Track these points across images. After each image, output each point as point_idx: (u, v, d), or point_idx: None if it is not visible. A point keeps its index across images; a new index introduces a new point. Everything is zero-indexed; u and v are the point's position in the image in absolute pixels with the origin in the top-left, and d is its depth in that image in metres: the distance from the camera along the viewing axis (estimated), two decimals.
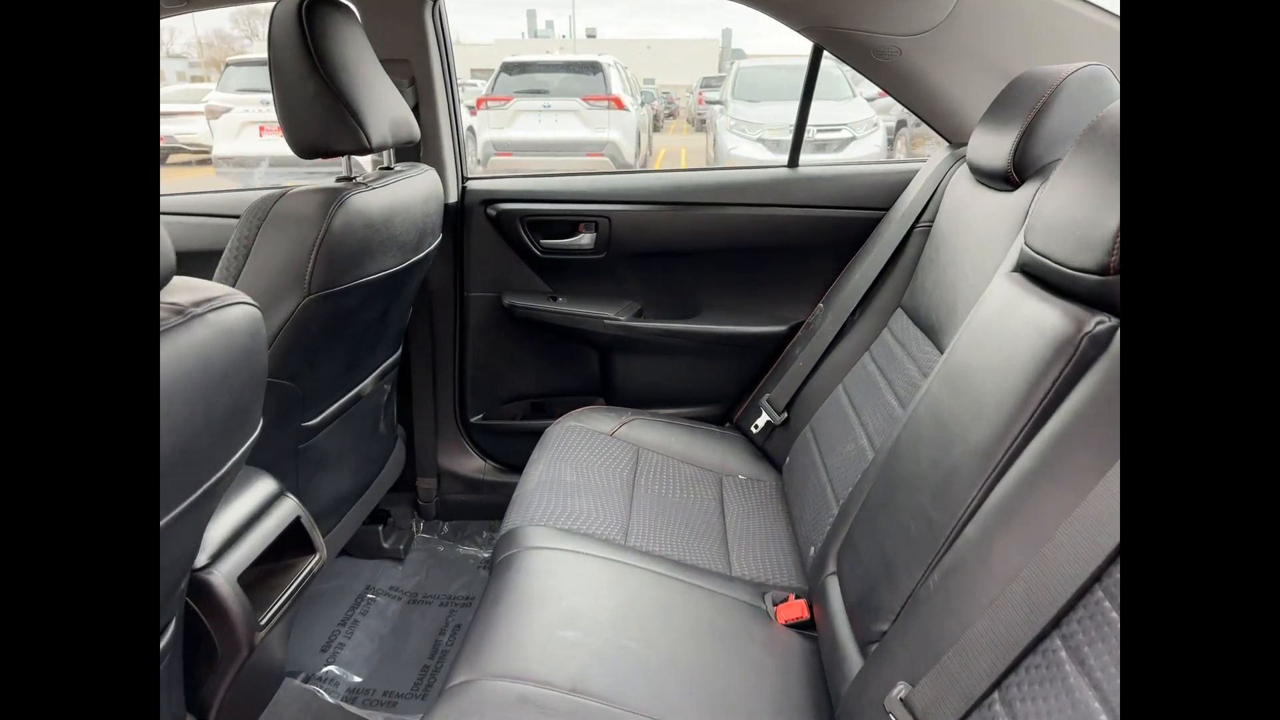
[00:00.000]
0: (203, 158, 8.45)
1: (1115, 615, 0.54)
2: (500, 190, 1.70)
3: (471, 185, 1.69)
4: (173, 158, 9.02)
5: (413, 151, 1.58)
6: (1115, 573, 0.56)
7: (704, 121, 11.68)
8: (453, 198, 1.64)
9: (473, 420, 1.82)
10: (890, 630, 0.85)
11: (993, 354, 0.84)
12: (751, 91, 8.42)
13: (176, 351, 0.54)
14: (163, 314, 0.56)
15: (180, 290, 0.59)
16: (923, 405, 0.98)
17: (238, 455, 0.66)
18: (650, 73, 21.50)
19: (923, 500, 0.87)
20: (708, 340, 1.70)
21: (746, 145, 7.76)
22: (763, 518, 1.36)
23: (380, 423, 1.57)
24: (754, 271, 1.71)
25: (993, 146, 1.11)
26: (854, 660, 0.91)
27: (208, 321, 0.58)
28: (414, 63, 1.52)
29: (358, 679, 1.41)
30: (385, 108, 1.17)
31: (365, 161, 1.45)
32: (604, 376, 1.81)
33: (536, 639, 0.95)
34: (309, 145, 1.10)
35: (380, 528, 1.74)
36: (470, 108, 8.22)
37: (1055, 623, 0.59)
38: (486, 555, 1.80)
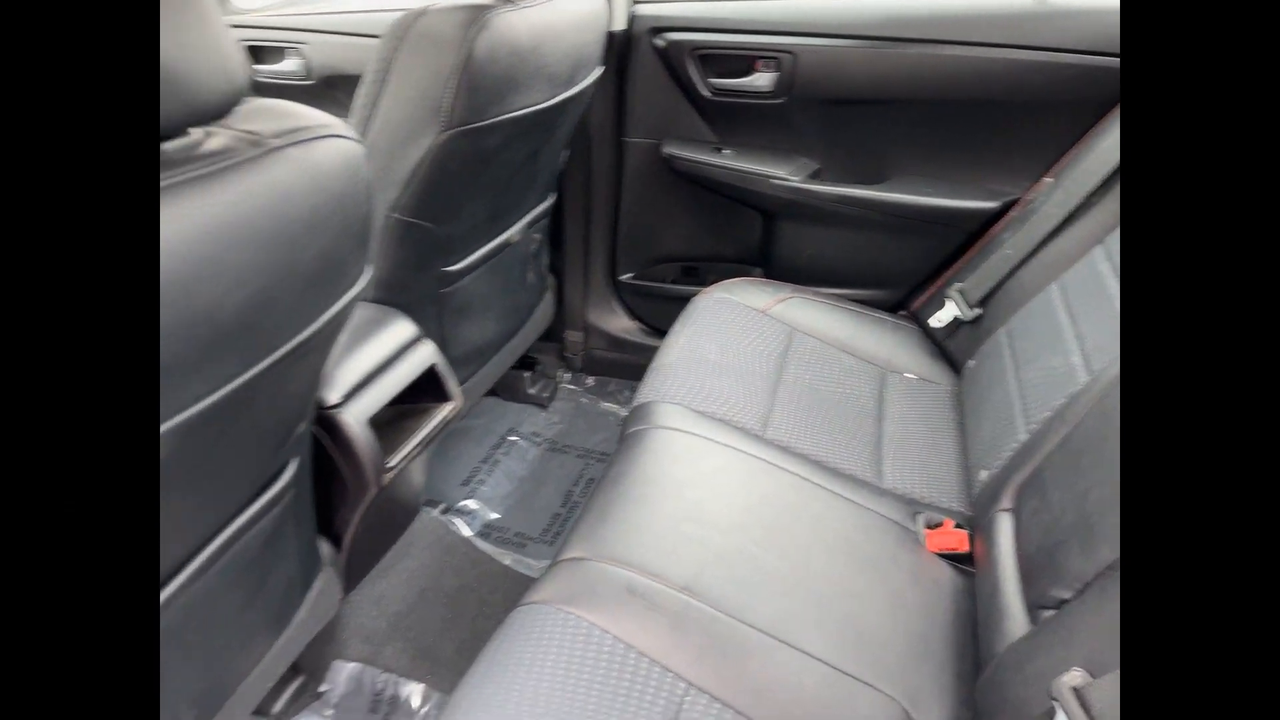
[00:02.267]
0: None
1: None
2: (671, 16, 1.48)
3: (640, 9, 1.49)
4: None
5: None
6: None
7: None
8: (619, 24, 1.46)
9: (621, 279, 1.74)
10: (1074, 603, 0.69)
11: None
12: None
13: (246, 192, 0.47)
14: (235, 144, 0.48)
15: (260, 116, 0.51)
16: None
17: (336, 309, 0.60)
18: None
19: None
20: (895, 212, 1.46)
21: None
22: (928, 426, 1.18)
23: (529, 272, 1.52)
24: (967, 132, 1.40)
25: None
26: (1018, 620, 0.77)
27: (288, 157, 0.50)
28: None
29: (494, 515, 1.46)
30: None
31: None
32: (765, 244, 1.63)
33: (655, 529, 0.89)
34: None
35: (527, 374, 1.75)
36: None
37: None
38: (625, 414, 1.77)
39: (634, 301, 1.76)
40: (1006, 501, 0.91)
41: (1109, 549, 0.67)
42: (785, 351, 1.27)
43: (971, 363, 1.26)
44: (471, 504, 1.47)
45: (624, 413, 1.78)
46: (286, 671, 1.08)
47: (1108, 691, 0.57)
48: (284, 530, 0.80)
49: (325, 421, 0.89)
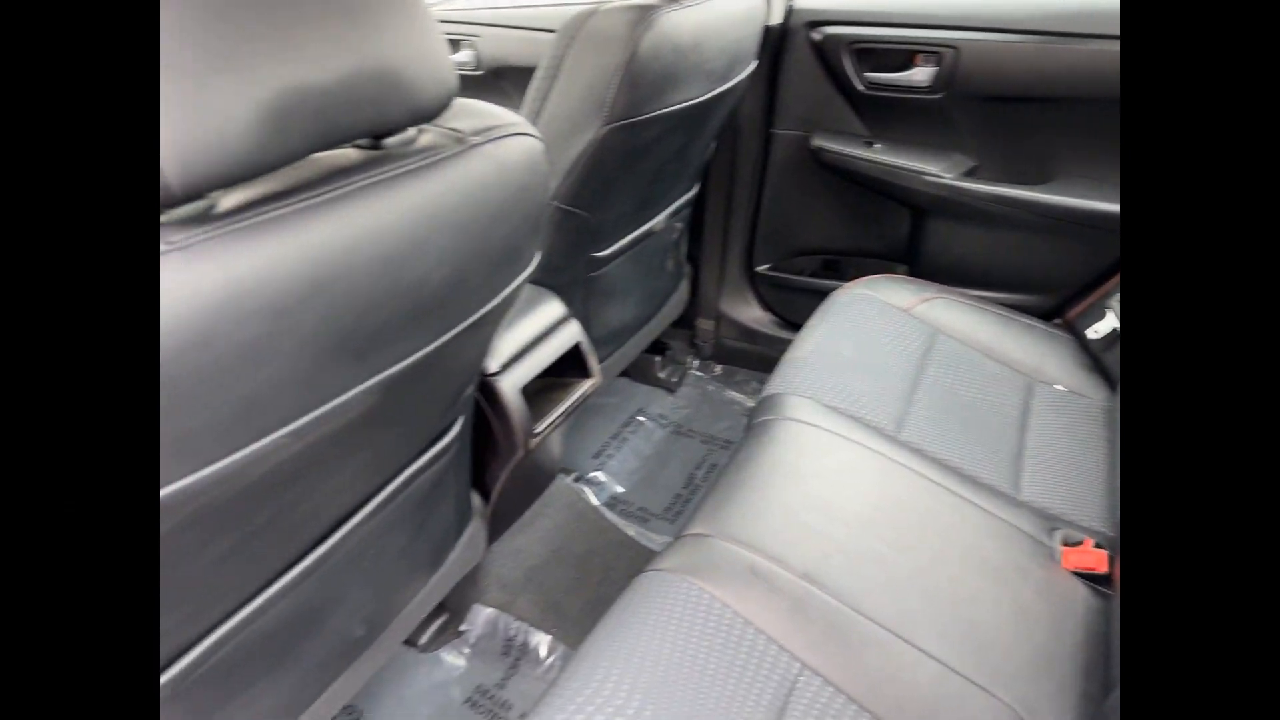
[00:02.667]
0: None
1: None
2: (830, 10, 1.47)
3: (799, 3, 1.49)
4: None
5: None
6: None
7: None
8: (776, 18, 1.47)
9: (759, 269, 1.76)
10: None
11: None
12: None
13: (450, 184, 0.54)
14: (442, 141, 0.56)
15: (462, 115, 0.59)
16: None
17: (511, 288, 0.68)
18: None
19: None
20: (1055, 215, 1.38)
21: None
22: (1074, 441, 1.13)
23: (668, 260, 1.58)
24: None
25: None
26: None
27: (485, 153, 0.57)
28: None
29: (620, 489, 1.54)
30: None
31: None
32: (912, 242, 1.60)
33: (779, 515, 0.92)
34: None
35: (658, 358, 1.82)
36: None
37: None
38: (752, 405, 1.80)
39: (769, 293, 1.78)
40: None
41: None
42: (926, 353, 1.25)
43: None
44: (601, 476, 1.56)
45: (749, 403, 1.81)
46: (434, 609, 1.21)
47: None
48: (446, 480, 0.90)
49: (485, 387, 0.99)
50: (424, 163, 0.53)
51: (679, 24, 1.03)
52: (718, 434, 1.71)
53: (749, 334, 1.82)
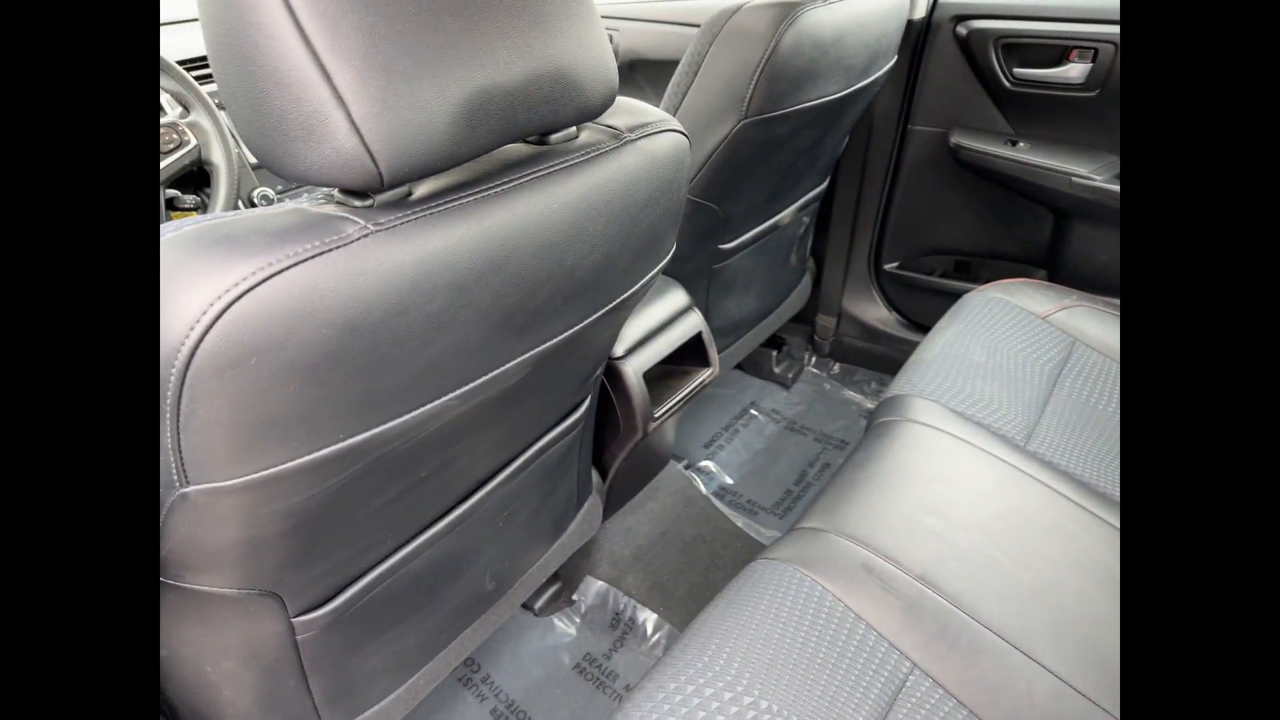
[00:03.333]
0: None
1: None
2: (979, 3, 1.42)
3: None
4: None
5: None
6: None
7: None
8: (920, 12, 1.43)
9: (886, 267, 1.72)
10: None
11: None
12: None
13: (608, 174, 0.58)
14: (600, 137, 0.60)
15: (620, 113, 0.63)
16: None
17: (650, 275, 0.71)
18: None
19: None
20: None
21: None
22: None
23: (792, 254, 1.58)
24: None
25: None
26: None
27: (638, 148, 0.61)
28: None
29: (729, 480, 1.56)
30: None
31: None
32: (1054, 246, 1.52)
33: (896, 516, 0.91)
34: None
35: (774, 353, 1.82)
36: None
37: None
38: (870, 406, 1.77)
39: (895, 292, 1.74)
40: None
41: None
42: (1063, 363, 1.19)
43: None
44: (711, 465, 1.59)
45: (868, 404, 1.78)
46: (550, 577, 1.28)
47: None
48: (571, 454, 0.96)
49: (610, 371, 1.04)
50: (584, 158, 0.58)
51: (822, 20, 1.03)
52: (832, 433, 1.69)
53: (871, 333, 1.79)
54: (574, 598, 1.27)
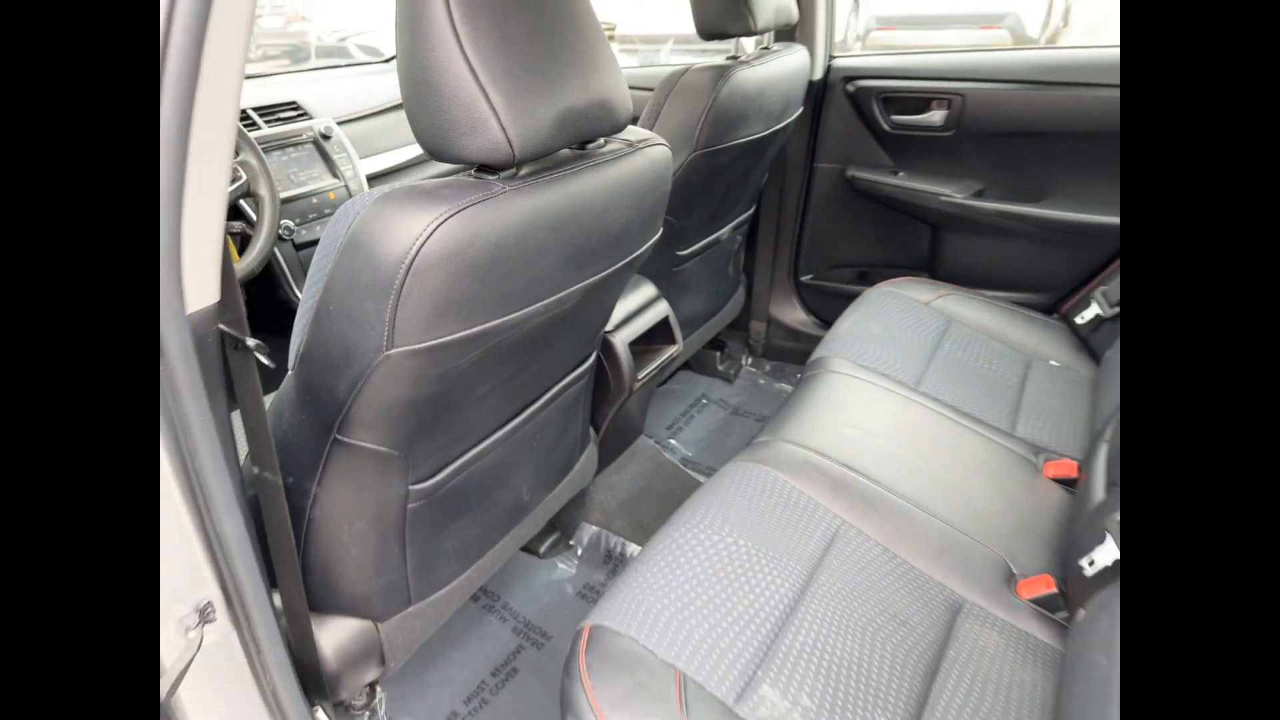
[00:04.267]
0: (608, 33, 9.52)
1: None
2: (861, 67, 1.85)
3: (836, 63, 1.87)
4: None
5: (789, 31, 1.81)
6: None
7: None
8: (818, 74, 1.85)
9: (803, 279, 2.10)
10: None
11: None
12: None
13: (629, 169, 0.90)
14: (616, 147, 0.92)
15: (629, 132, 0.95)
16: None
17: (650, 243, 1.02)
18: None
19: None
20: (1049, 226, 1.71)
21: None
22: (1065, 399, 1.42)
23: (729, 266, 1.93)
24: (1114, 159, 1.64)
25: None
26: (1098, 497, 1.03)
27: (644, 154, 0.93)
28: None
29: (690, 453, 1.86)
30: None
31: (748, 43, 1.72)
32: (932, 253, 1.93)
33: (825, 427, 1.24)
34: (710, 28, 1.40)
35: (718, 354, 2.15)
36: None
37: None
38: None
39: (811, 298, 2.11)
40: (1109, 434, 1.16)
41: None
42: (942, 335, 1.56)
43: (1109, 352, 1.48)
44: (674, 442, 1.88)
45: None
46: (550, 528, 1.54)
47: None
48: (579, 399, 1.24)
49: (604, 343, 1.34)
50: (613, 158, 0.89)
51: (748, 77, 1.40)
52: (770, 415, 2.02)
53: (794, 334, 2.15)
54: (571, 542, 1.53)
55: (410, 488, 0.92)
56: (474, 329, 0.77)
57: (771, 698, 0.82)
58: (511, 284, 0.77)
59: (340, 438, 0.83)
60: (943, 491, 1.15)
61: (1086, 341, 1.59)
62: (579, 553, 1.53)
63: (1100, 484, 1.08)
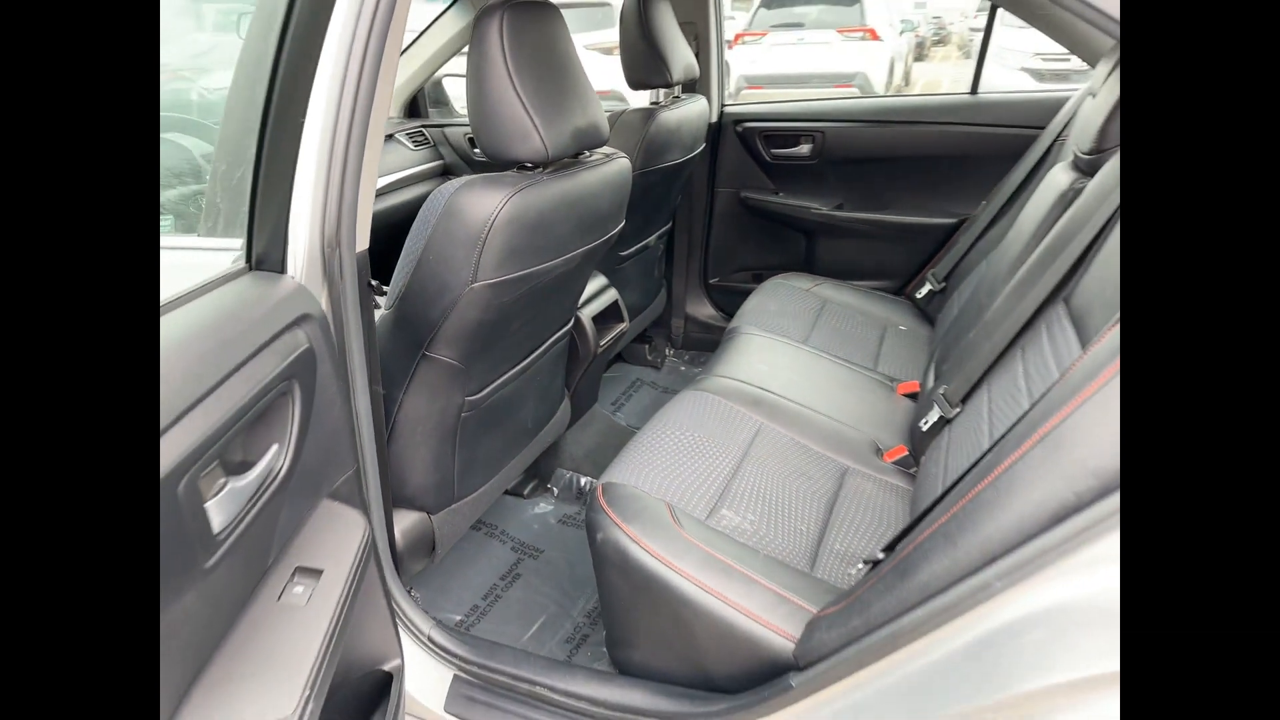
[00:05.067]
0: None
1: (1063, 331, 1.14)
2: (746, 113, 2.38)
3: (727, 109, 2.39)
4: None
5: (692, 84, 2.31)
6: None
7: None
8: (714, 118, 2.36)
9: (711, 281, 2.58)
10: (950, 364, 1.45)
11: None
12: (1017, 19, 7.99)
13: (608, 171, 1.32)
14: (598, 157, 1.34)
15: (602, 150, 1.37)
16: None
17: (618, 228, 1.44)
18: None
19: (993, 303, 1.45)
20: (893, 228, 2.27)
21: (1005, 74, 7.50)
22: (911, 349, 1.94)
23: (655, 269, 2.38)
24: (934, 176, 2.22)
25: None
26: (929, 387, 1.52)
27: (616, 163, 1.36)
28: (697, 24, 2.23)
29: (632, 422, 2.26)
30: (680, 56, 1.90)
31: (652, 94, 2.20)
32: (808, 254, 2.46)
33: (743, 365, 1.68)
34: (638, 80, 1.86)
35: (646, 347, 2.58)
36: (728, 42, 8.82)
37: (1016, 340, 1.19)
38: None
39: (718, 297, 2.59)
40: (939, 355, 1.67)
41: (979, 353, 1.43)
42: (820, 310, 2.06)
43: (940, 315, 2.03)
44: (619, 415, 2.28)
45: None
46: (529, 474, 1.89)
47: (952, 383, 1.33)
48: (561, 358, 1.63)
49: (575, 321, 1.73)
50: (597, 164, 1.31)
51: (668, 118, 1.87)
52: None
53: (706, 328, 2.61)
54: (549, 485, 1.89)
55: (466, 399, 1.27)
56: (525, 270, 1.16)
57: (729, 515, 1.23)
58: (548, 240, 1.18)
59: (428, 353, 1.19)
60: (829, 402, 1.61)
61: (924, 311, 2.14)
62: (555, 493, 1.89)
63: (930, 385, 1.57)
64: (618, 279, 2.10)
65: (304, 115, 0.81)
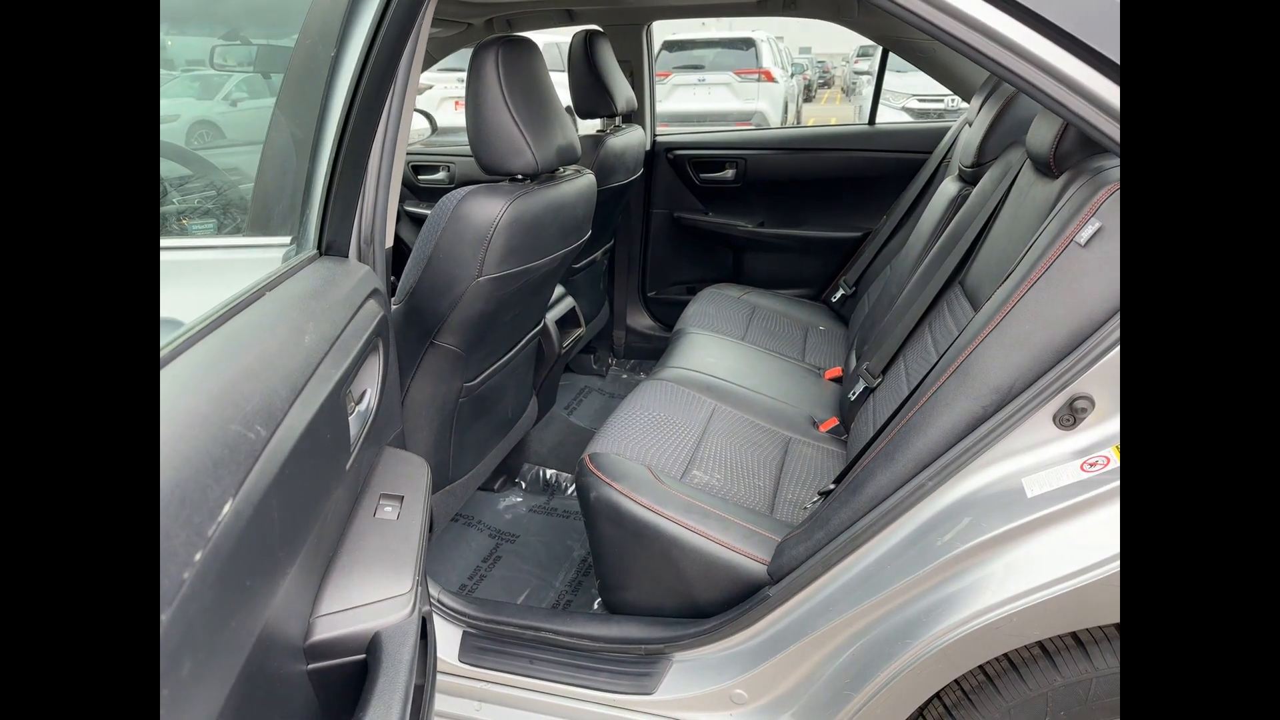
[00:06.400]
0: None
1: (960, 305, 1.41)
2: (676, 142, 2.65)
3: (659, 138, 2.65)
4: None
5: (629, 115, 2.56)
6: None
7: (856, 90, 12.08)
8: (649, 146, 2.61)
9: (649, 294, 2.81)
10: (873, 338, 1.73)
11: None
12: (900, 62, 8.82)
13: (578, 186, 1.52)
14: (571, 173, 1.54)
15: (577, 165, 1.58)
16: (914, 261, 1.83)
17: (585, 236, 1.64)
18: (808, 42, 21.44)
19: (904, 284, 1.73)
20: (807, 241, 2.57)
21: (889, 113, 8.24)
22: (831, 345, 2.23)
23: (601, 282, 2.58)
24: (842, 195, 2.55)
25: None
26: (858, 388, 1.79)
27: (585, 178, 1.56)
28: (632, 62, 2.49)
29: (585, 423, 2.44)
30: (621, 89, 2.14)
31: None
32: (736, 266, 2.73)
33: (694, 359, 1.90)
34: (586, 110, 2.08)
35: (591, 357, 2.77)
36: None
37: (923, 318, 1.46)
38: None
39: (657, 309, 2.82)
40: (859, 335, 1.95)
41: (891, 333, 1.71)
42: (751, 315, 2.32)
43: (851, 315, 2.32)
44: (573, 418, 2.45)
45: None
46: (499, 471, 2.03)
47: (873, 360, 1.60)
48: (531, 358, 1.80)
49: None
50: (571, 177, 1.51)
51: (614, 144, 2.10)
52: None
53: (646, 338, 2.83)
54: (517, 479, 2.04)
55: (463, 385, 1.43)
56: (521, 267, 1.34)
57: (699, 475, 1.44)
58: (540, 240, 1.36)
59: (435, 342, 1.34)
60: (769, 385, 1.85)
61: (839, 312, 2.44)
62: (524, 485, 2.04)
63: (853, 365, 1.84)
64: (570, 289, 2.29)
65: (377, 130, 0.97)
